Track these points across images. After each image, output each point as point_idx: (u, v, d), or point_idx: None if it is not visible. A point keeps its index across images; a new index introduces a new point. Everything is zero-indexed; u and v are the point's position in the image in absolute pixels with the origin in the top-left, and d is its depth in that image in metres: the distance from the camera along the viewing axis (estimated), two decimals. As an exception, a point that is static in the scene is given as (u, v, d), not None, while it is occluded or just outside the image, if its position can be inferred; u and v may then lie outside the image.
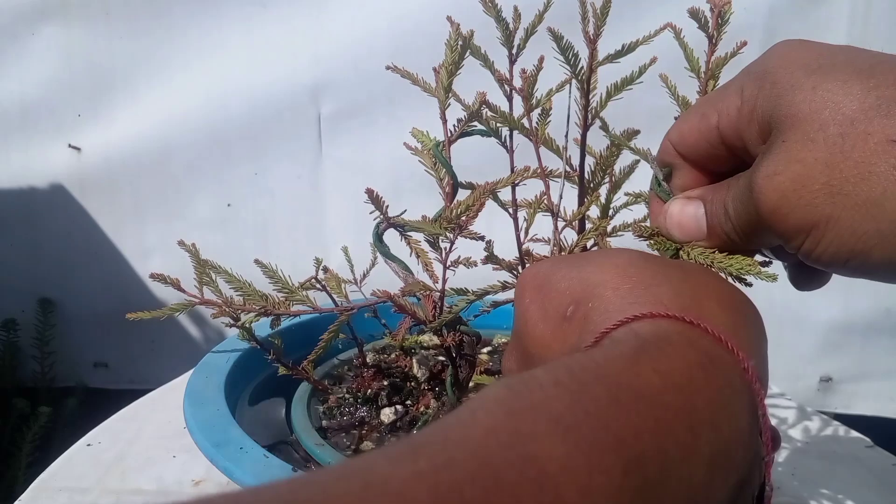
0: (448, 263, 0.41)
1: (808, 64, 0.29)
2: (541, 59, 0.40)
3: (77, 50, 1.13)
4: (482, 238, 0.38)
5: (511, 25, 0.40)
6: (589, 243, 0.40)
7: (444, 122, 0.42)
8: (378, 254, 0.46)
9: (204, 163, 1.15)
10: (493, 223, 0.44)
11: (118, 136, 1.15)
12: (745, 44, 0.38)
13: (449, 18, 0.41)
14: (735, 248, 0.33)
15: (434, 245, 0.40)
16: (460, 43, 0.40)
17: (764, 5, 1.04)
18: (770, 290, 0.41)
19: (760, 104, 0.30)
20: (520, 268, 0.43)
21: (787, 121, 0.28)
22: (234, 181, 1.16)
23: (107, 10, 1.10)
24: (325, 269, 0.48)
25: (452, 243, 0.40)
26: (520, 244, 0.43)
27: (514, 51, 0.41)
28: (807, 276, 0.35)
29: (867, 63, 0.28)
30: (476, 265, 0.41)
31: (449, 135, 0.42)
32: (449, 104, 0.42)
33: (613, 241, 0.41)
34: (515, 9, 0.40)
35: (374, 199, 0.39)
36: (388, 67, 0.42)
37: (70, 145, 1.17)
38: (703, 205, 0.33)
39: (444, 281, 0.42)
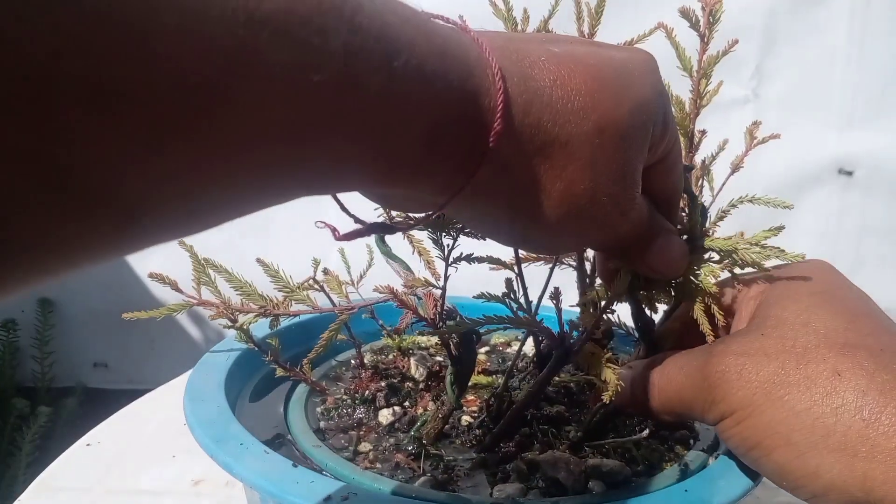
0: (450, 261, 0.41)
1: (815, 286, 0.35)
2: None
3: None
4: (484, 237, 0.39)
5: (519, 28, 0.40)
6: None
7: None
8: (377, 255, 0.46)
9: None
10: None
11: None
12: (736, 42, 0.38)
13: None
14: (645, 414, 0.38)
15: (437, 242, 0.40)
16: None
17: (763, 6, 1.04)
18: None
19: (767, 295, 0.36)
20: (515, 267, 0.43)
21: (774, 320, 0.34)
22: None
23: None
24: (326, 271, 0.48)
25: (455, 239, 0.40)
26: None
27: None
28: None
29: (862, 308, 0.34)
30: (478, 262, 0.41)
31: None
32: None
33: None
34: (525, 10, 0.40)
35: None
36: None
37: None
38: (629, 374, 0.38)
39: (447, 278, 0.42)
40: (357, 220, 0.29)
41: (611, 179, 0.28)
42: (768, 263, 0.36)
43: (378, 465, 0.39)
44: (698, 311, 0.36)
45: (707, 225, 0.39)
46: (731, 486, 0.35)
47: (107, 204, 0.16)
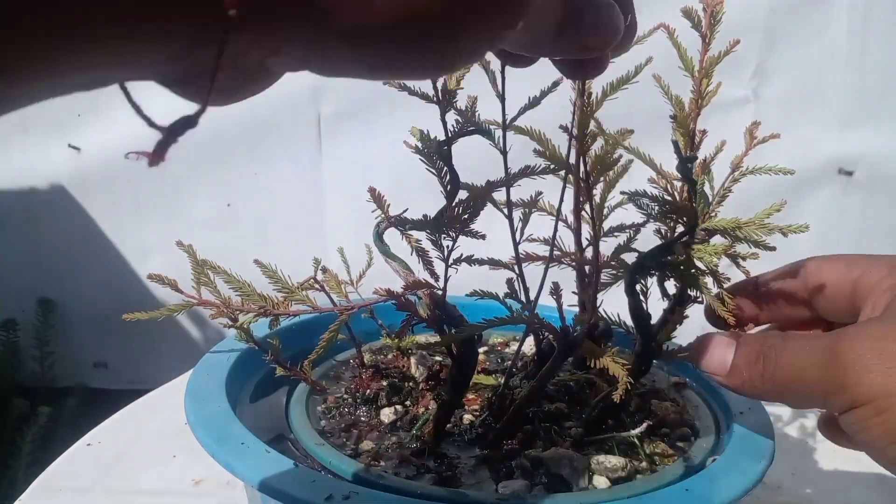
0: (450, 262, 0.41)
1: None
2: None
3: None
4: (483, 237, 0.39)
5: None
6: None
7: (445, 124, 0.42)
8: (377, 254, 0.46)
9: (204, 162, 1.15)
10: (491, 223, 0.44)
11: (118, 135, 1.15)
12: (737, 42, 0.38)
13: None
14: (751, 392, 0.35)
15: (436, 243, 0.40)
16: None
17: (763, 5, 1.04)
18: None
19: None
20: (517, 267, 0.43)
21: None
22: (234, 181, 1.16)
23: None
24: (325, 270, 0.48)
25: (455, 240, 0.40)
26: (515, 244, 0.43)
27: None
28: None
29: None
30: (479, 264, 0.41)
31: (449, 135, 0.42)
32: (450, 109, 0.42)
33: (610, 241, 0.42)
34: None
35: (376, 198, 0.39)
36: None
37: (70, 145, 1.17)
38: (735, 346, 0.35)
39: (447, 279, 0.42)
40: (154, 125, 0.24)
41: None
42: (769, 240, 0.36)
43: (381, 463, 0.39)
44: (712, 300, 0.36)
45: (708, 209, 0.39)
46: (732, 485, 0.35)
47: None
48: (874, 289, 0.35)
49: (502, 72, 0.41)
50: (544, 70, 0.42)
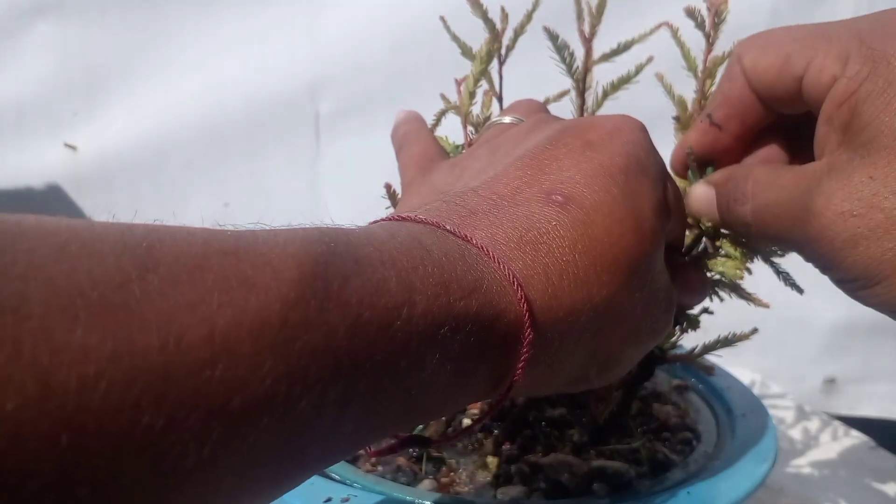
0: None
1: None
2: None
3: (73, 47, 1.12)
4: None
5: (499, 26, 0.40)
6: None
7: (465, 126, 0.42)
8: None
9: (201, 161, 1.15)
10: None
11: (114, 134, 1.15)
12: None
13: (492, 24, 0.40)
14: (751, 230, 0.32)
15: None
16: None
17: (767, 4, 1.04)
18: (773, 291, 0.41)
19: (866, 93, 0.25)
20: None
21: (888, 135, 0.23)
22: (231, 180, 1.16)
23: (102, 6, 1.10)
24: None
25: None
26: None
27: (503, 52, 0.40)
28: None
29: None
30: None
31: (468, 139, 0.42)
32: (469, 111, 0.42)
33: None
34: (503, 9, 0.40)
35: (392, 196, 0.39)
36: (440, 17, 0.41)
37: (66, 144, 1.16)
38: (714, 188, 0.33)
39: None
40: (392, 436, 0.29)
41: (648, 319, 0.28)
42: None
43: (380, 468, 0.38)
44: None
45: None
46: (734, 488, 0.35)
47: None
48: (831, 96, 0.27)
49: (500, 73, 0.41)
50: (542, 70, 0.41)
